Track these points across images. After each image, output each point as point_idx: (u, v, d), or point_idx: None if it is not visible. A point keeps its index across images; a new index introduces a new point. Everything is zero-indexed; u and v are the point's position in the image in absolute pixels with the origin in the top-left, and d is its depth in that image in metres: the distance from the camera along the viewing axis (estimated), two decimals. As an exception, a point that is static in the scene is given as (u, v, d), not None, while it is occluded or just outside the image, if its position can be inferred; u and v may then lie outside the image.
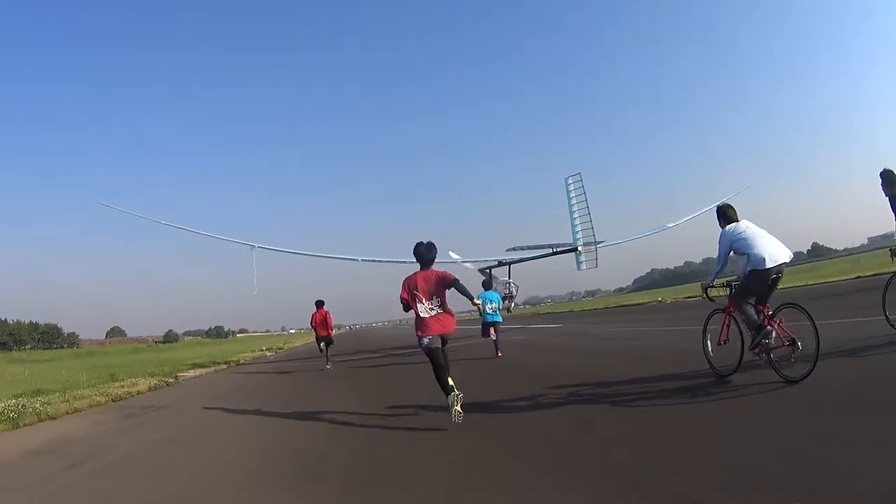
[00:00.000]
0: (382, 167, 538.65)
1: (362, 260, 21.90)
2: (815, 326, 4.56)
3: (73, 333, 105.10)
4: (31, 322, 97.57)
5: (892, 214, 6.05)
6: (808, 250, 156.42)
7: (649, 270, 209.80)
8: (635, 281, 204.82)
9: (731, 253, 5.24)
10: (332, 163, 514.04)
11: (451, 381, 5.03)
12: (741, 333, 5.28)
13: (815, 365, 4.51)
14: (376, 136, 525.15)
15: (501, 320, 11.29)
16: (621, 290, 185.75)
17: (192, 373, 15.25)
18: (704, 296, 5.67)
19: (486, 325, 11.06)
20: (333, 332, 14.14)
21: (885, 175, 6.20)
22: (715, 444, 3.39)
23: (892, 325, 6.14)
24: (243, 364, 18.63)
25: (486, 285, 12.13)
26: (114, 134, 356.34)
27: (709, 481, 2.78)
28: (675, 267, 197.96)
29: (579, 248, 20.49)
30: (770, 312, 4.99)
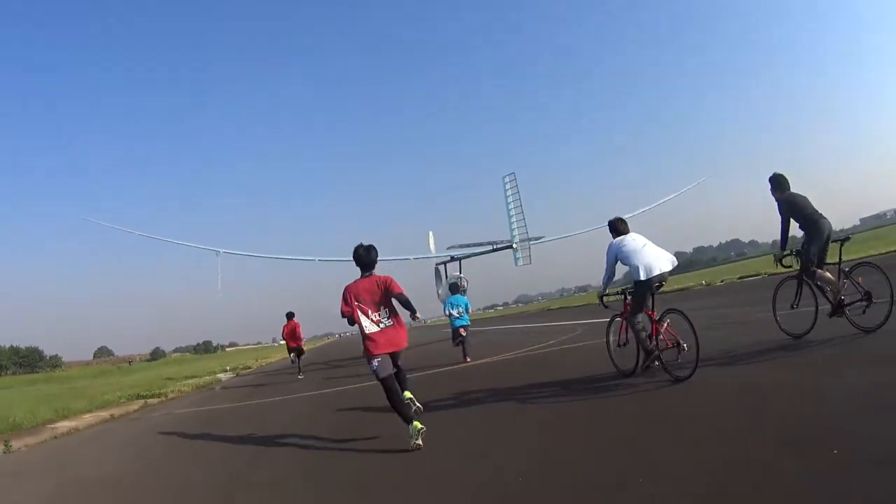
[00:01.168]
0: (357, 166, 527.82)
1: (319, 260, 22.79)
2: (694, 331, 5.06)
3: (56, 356, 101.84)
4: (11, 346, 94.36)
5: (780, 218, 6.13)
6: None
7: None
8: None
9: (617, 263, 5.76)
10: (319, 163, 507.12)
11: (410, 400, 4.89)
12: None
13: (695, 367, 5.03)
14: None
15: (470, 323, 11.11)
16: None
17: (71, 422, 9.88)
18: (600, 303, 6.28)
19: (457, 330, 10.84)
20: (304, 343, 14.86)
21: (775, 179, 6.32)
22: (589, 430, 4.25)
23: (781, 328, 6.33)
24: (174, 399, 13.21)
25: (454, 289, 11.87)
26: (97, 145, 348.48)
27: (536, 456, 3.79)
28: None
29: (514, 245, 21.01)
30: (657, 317, 5.49)
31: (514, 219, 21.13)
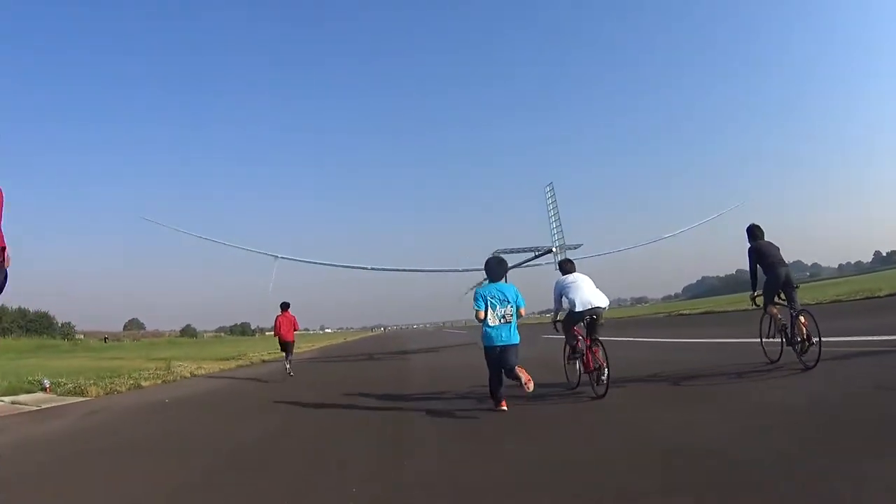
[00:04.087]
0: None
1: (371, 268, 23.72)
2: (606, 357, 5.98)
3: (68, 324, 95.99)
4: (19, 308, 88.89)
5: (749, 263, 7.06)
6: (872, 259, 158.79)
7: (700, 278, 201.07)
8: (685, 289, 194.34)
9: (562, 296, 6.62)
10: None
11: None
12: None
13: (607, 389, 5.88)
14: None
15: (518, 342, 5.82)
16: (670, 297, 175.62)
17: None
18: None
19: (493, 354, 5.79)
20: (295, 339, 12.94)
21: (749, 230, 7.15)
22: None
23: (764, 353, 6.99)
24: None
25: (493, 271, 6.21)
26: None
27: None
28: (726, 274, 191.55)
29: (554, 250, 21.78)
30: (588, 343, 6.24)
31: (553, 226, 22.17)
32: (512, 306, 5.77)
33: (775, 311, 6.80)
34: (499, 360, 5.72)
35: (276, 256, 20.46)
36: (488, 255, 23.09)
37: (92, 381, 10.67)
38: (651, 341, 14.11)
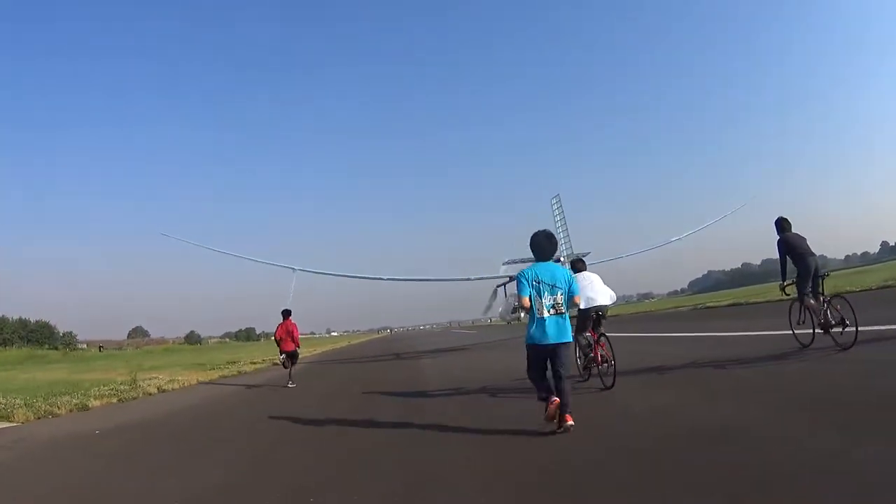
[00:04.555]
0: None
1: (388, 279, 24.57)
2: (611, 350, 6.61)
3: (70, 333, 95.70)
4: (19, 319, 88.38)
5: (778, 254, 7.71)
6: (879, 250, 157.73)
7: (706, 272, 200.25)
8: (691, 284, 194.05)
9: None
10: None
11: None
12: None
13: (615, 379, 6.41)
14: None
15: (571, 340, 4.91)
16: (676, 292, 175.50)
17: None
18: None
19: (541, 356, 4.78)
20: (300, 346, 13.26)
21: (778, 223, 7.79)
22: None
23: (795, 337, 7.64)
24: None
25: (542, 247, 4.95)
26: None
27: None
28: (732, 269, 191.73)
29: (563, 259, 22.09)
30: (596, 338, 6.95)
31: (561, 236, 22.50)
32: (564, 293, 4.72)
33: (812, 302, 7.38)
34: (547, 362, 4.75)
35: (294, 269, 20.91)
36: (492, 256, 24.49)
37: (24, 401, 9.56)
38: (693, 335, 12.78)
